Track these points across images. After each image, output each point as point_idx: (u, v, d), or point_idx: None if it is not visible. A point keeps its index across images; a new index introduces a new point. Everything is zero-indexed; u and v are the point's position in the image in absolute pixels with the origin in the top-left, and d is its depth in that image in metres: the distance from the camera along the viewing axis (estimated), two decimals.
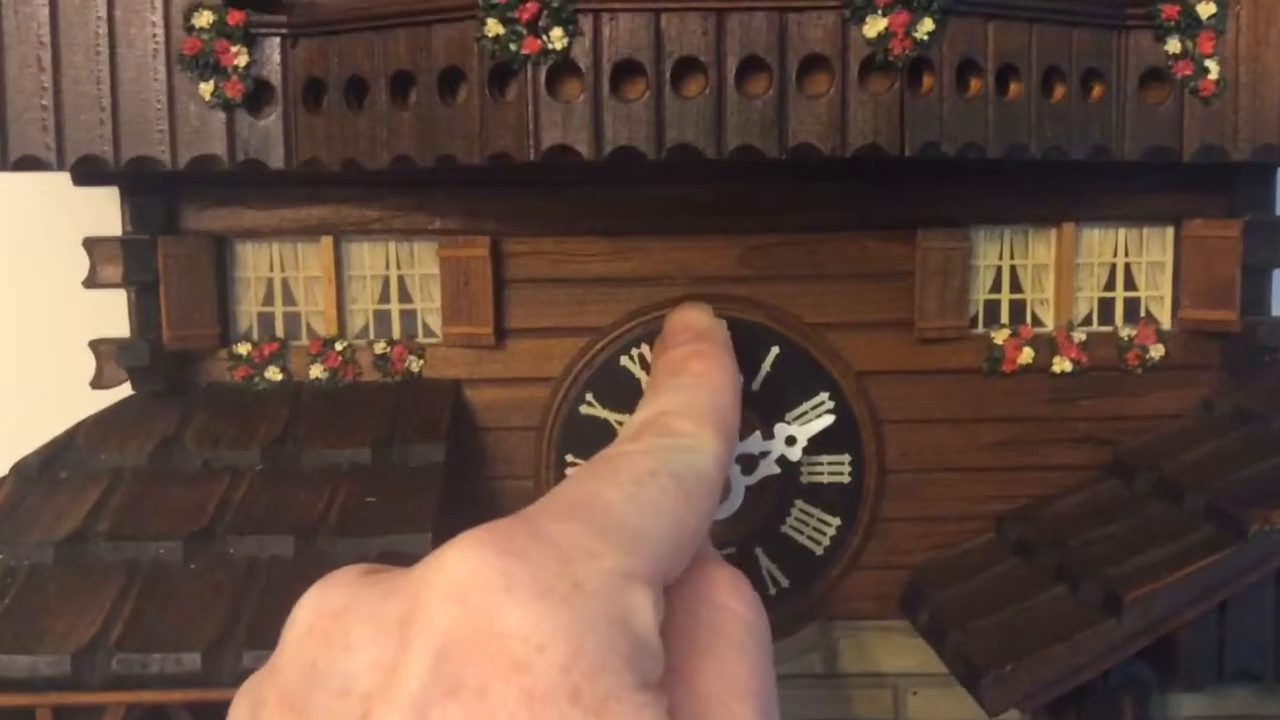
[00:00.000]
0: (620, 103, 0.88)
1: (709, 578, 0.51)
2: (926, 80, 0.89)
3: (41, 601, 0.88)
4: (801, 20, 0.87)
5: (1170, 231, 1.09)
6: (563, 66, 0.87)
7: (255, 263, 1.08)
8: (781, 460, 1.02)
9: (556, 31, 0.86)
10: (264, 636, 0.84)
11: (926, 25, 0.87)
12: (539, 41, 0.86)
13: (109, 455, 0.99)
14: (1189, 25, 0.96)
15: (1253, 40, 0.97)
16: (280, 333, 1.08)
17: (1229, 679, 0.88)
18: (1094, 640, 0.83)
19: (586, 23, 0.87)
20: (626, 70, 0.88)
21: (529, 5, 0.86)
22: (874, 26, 0.87)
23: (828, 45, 0.87)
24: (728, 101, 0.88)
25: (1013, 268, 1.10)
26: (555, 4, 0.86)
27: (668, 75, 0.88)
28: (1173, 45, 0.96)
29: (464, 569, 0.42)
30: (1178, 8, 0.96)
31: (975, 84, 0.91)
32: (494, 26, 0.87)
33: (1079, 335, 1.08)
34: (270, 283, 1.08)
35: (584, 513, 0.47)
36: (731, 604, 0.50)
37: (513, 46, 0.86)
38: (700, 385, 0.66)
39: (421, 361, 1.07)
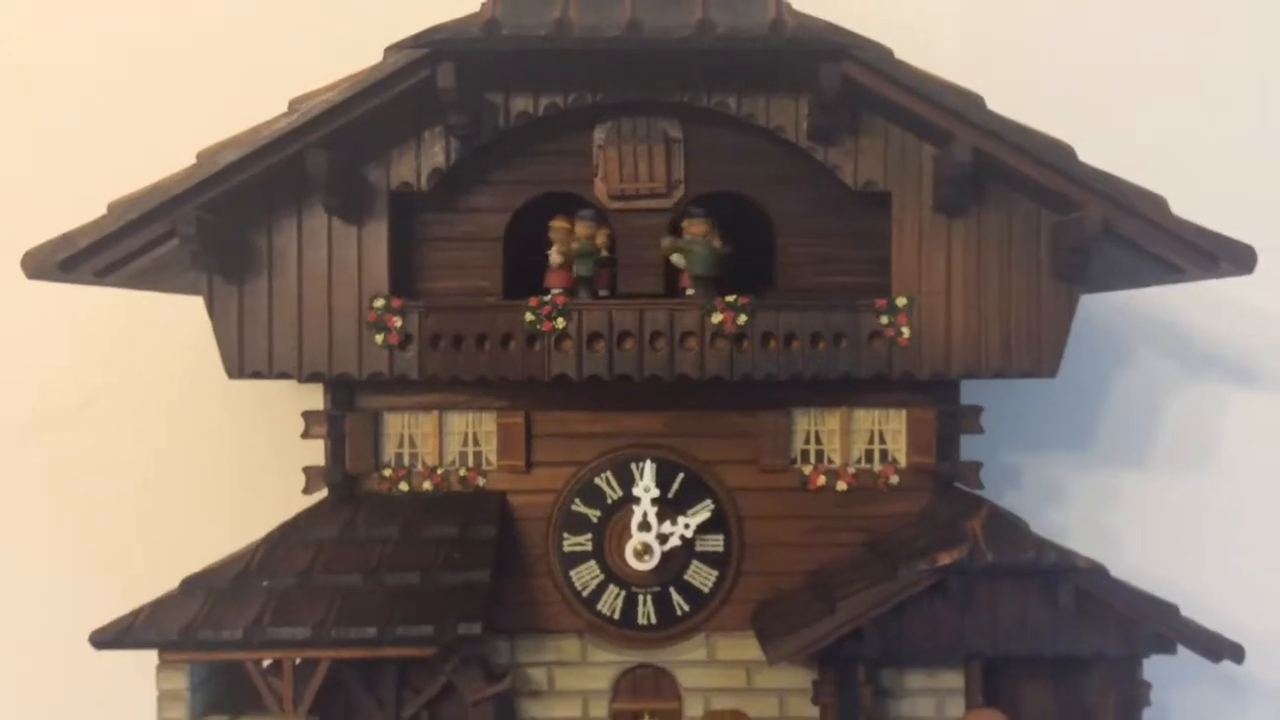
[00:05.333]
0: (591, 352, 1.76)
1: None
2: (745, 344, 1.76)
3: (290, 604, 1.73)
4: (682, 313, 1.76)
5: (904, 413, 1.94)
6: (562, 336, 1.75)
7: (394, 424, 1.94)
8: (683, 538, 1.87)
9: (560, 320, 1.74)
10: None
11: (743, 318, 1.75)
12: (551, 324, 1.74)
13: (319, 530, 1.85)
14: (892, 309, 1.82)
15: (928, 318, 1.83)
16: (406, 464, 1.94)
17: (905, 662, 1.70)
18: (822, 626, 1.66)
19: (574, 314, 1.75)
20: (595, 336, 1.76)
21: (545, 308, 1.74)
22: (716, 317, 1.75)
23: (694, 325, 1.75)
24: (644, 352, 1.76)
25: (816, 431, 1.95)
26: (559, 306, 1.74)
27: (615, 338, 1.76)
28: (884, 319, 1.82)
29: None
30: (885, 300, 1.82)
31: (773, 343, 1.78)
32: (529, 316, 1.75)
33: (852, 469, 1.92)
34: (401, 436, 1.94)
35: None
36: None
37: (538, 327, 1.75)
38: None
39: (484, 480, 1.93)
